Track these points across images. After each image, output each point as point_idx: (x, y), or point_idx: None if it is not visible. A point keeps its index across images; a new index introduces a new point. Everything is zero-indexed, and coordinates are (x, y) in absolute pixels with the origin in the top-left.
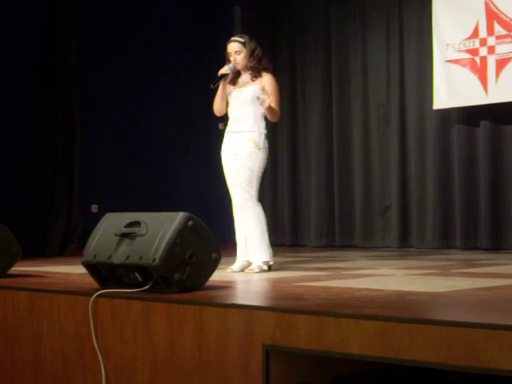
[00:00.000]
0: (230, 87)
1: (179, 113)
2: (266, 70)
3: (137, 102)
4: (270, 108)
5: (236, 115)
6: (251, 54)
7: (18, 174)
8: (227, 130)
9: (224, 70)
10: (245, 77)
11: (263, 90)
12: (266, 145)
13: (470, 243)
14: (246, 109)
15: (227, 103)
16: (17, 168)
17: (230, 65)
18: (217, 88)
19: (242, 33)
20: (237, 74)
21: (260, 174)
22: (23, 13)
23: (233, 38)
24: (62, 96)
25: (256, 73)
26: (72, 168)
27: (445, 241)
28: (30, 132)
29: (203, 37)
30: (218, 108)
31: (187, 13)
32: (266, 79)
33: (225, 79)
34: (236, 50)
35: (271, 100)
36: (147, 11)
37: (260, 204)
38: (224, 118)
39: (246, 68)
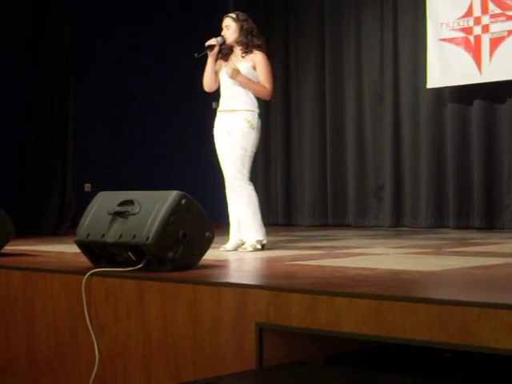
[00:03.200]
0: (222, 64)
1: (172, 92)
2: (257, 47)
3: (130, 82)
4: (245, 81)
5: (228, 93)
6: (241, 29)
7: (11, 154)
8: (219, 108)
9: (211, 41)
10: (236, 53)
11: (254, 68)
12: (260, 124)
13: (463, 222)
14: (238, 87)
15: (219, 81)
16: (10, 148)
17: (219, 37)
18: (200, 59)
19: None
20: (229, 51)
21: (252, 154)
22: None
23: (226, 14)
24: (56, 76)
25: (245, 48)
26: (65, 147)
27: (438, 220)
28: (24, 112)
29: (196, 19)
30: (206, 82)
31: None
32: (258, 57)
33: (210, 50)
34: (226, 25)
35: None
36: None
37: (252, 183)
38: (217, 97)
39: (236, 43)
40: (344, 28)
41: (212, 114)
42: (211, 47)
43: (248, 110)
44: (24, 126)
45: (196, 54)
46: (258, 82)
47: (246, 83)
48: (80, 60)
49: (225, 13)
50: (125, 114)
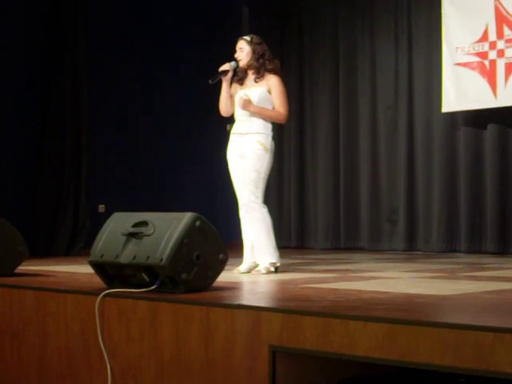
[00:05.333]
0: (237, 88)
1: (186, 113)
2: (271, 71)
3: (144, 103)
4: (258, 111)
5: (242, 117)
6: (253, 52)
7: (25, 174)
8: (233, 131)
9: (224, 66)
10: (251, 77)
11: (269, 92)
12: (273, 147)
13: (476, 247)
14: None
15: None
16: (24, 167)
17: (232, 62)
18: (216, 83)
19: (252, 34)
20: (244, 75)
21: (266, 176)
22: (32, 8)
23: (241, 37)
24: (70, 96)
25: (257, 73)
26: (79, 168)
27: (451, 244)
28: (38, 132)
29: (211, 38)
30: (223, 108)
31: (195, 13)
32: (272, 81)
33: (224, 76)
34: (240, 47)
35: (256, 106)
36: (156, 11)
37: (266, 206)
38: (231, 119)
39: (248, 67)
40: (358, 52)
41: (226, 135)
42: (225, 72)
43: (261, 133)
44: (38, 147)
45: (210, 81)
46: (273, 109)
47: (260, 113)
48: (93, 82)
49: (240, 35)
50: (138, 135)
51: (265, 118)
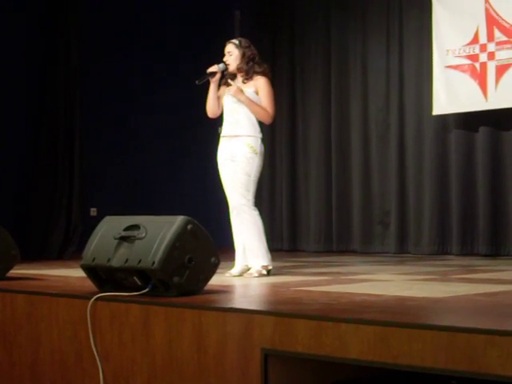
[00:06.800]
0: (225, 90)
1: (178, 116)
2: (260, 73)
3: (136, 106)
4: (247, 101)
5: (231, 119)
6: (242, 56)
7: (18, 178)
8: (222, 134)
9: (212, 68)
10: (239, 79)
11: (257, 92)
12: (262, 149)
13: (468, 249)
14: (240, 112)
15: (223, 107)
16: (17, 171)
17: (221, 64)
18: (203, 85)
19: (241, 37)
20: (232, 77)
21: (256, 179)
22: (24, 11)
23: (229, 40)
24: (63, 99)
25: (246, 75)
26: (71, 171)
27: (442, 246)
28: (31, 135)
29: (203, 41)
30: (210, 109)
31: (187, 17)
32: (260, 82)
33: (212, 77)
34: (228, 51)
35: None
36: (148, 15)
37: (256, 209)
38: (221, 122)
39: (237, 70)
40: (350, 54)
41: (217, 138)
42: (213, 74)
43: (250, 136)
44: (30, 149)
45: (197, 81)
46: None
47: (248, 103)
48: (86, 85)
49: (232, 35)
50: (131, 139)
51: (252, 111)
